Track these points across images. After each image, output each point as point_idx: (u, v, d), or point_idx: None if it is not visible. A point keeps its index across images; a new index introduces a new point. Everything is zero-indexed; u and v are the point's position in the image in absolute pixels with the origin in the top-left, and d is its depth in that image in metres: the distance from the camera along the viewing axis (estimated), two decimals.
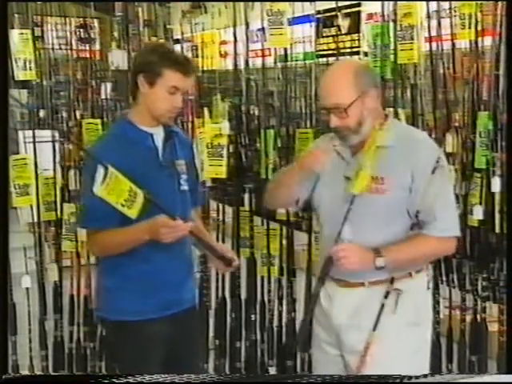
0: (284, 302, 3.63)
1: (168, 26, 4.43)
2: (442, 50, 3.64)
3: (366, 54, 4.34)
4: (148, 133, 2.51)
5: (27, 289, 3.41)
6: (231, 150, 3.65)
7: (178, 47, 4.47)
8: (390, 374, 2.16)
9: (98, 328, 3.55)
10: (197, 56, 5.83)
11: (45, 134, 3.54)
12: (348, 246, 2.30)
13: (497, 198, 3.32)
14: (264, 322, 3.66)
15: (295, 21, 3.76)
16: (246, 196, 3.74)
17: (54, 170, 3.49)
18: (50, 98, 3.96)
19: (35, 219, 3.40)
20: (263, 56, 3.79)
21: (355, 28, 7.54)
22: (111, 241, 2.45)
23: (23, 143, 3.39)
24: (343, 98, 2.32)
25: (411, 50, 3.26)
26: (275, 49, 3.65)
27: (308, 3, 4.19)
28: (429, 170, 2.32)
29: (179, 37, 5.16)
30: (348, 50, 7.37)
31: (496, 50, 3.32)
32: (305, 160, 2.43)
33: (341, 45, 6.94)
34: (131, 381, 2.06)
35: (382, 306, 2.37)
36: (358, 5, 7.38)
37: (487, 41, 3.41)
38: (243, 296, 3.67)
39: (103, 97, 3.79)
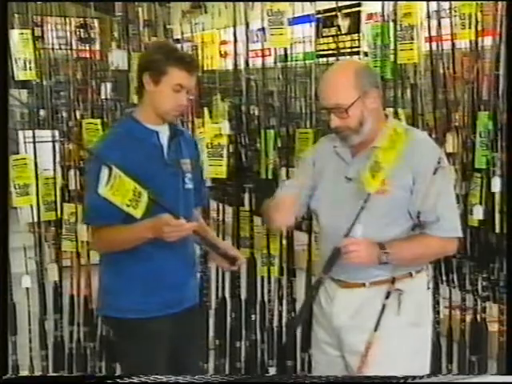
0: (284, 301, 3.63)
1: (168, 26, 4.43)
2: (442, 49, 3.63)
3: (366, 54, 4.34)
4: (153, 130, 2.52)
5: (27, 289, 3.41)
6: (231, 150, 3.64)
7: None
8: (390, 375, 2.15)
9: (98, 328, 3.56)
10: (197, 56, 5.83)
11: (45, 133, 3.54)
12: (358, 240, 2.30)
13: (497, 197, 3.32)
14: (264, 322, 3.66)
15: (295, 21, 3.75)
16: (246, 196, 3.74)
17: (54, 170, 3.49)
18: (50, 98, 3.96)
19: (35, 219, 3.40)
20: (263, 56, 3.79)
21: (355, 28, 7.54)
22: (115, 238, 2.47)
23: (23, 143, 3.39)
24: (344, 99, 2.32)
25: (411, 49, 3.26)
26: (275, 49, 3.65)
27: (308, 3, 4.18)
28: (430, 170, 2.32)
29: (179, 37, 5.15)
30: (348, 50, 7.37)
31: (496, 50, 3.32)
32: (272, 216, 2.39)
33: (341, 45, 6.93)
34: (135, 381, 2.06)
35: (384, 306, 2.37)
36: (358, 5, 7.38)
37: (487, 41, 3.41)
38: (243, 296, 3.67)
39: (103, 97, 3.79)
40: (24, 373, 3.45)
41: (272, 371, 3.63)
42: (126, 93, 3.56)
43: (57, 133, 3.61)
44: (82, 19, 4.09)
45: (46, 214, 3.45)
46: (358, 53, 7.22)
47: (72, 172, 3.65)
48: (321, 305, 2.51)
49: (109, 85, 3.79)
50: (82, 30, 4.17)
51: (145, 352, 2.51)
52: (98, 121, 3.53)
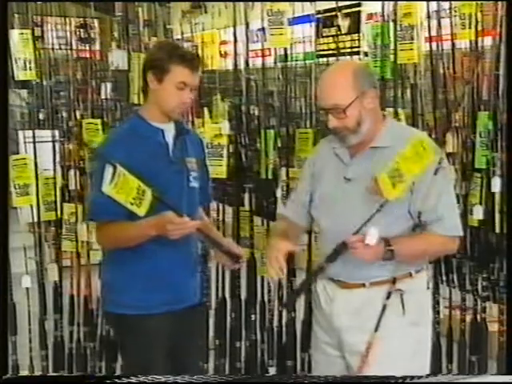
0: (284, 302, 3.63)
1: (168, 26, 4.42)
2: (442, 49, 3.63)
3: (366, 54, 4.33)
4: (159, 128, 2.53)
5: (27, 289, 3.41)
6: (231, 150, 3.64)
7: None
8: (390, 375, 2.16)
9: (98, 328, 3.56)
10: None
11: (45, 133, 3.55)
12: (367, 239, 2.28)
13: (497, 197, 3.32)
14: (264, 322, 3.66)
15: (295, 21, 3.75)
16: (246, 196, 3.74)
17: (54, 170, 3.49)
18: (50, 98, 3.97)
19: (35, 219, 3.41)
20: (263, 56, 3.79)
21: (355, 28, 7.53)
22: (118, 235, 2.48)
23: (23, 143, 3.39)
24: (342, 99, 2.32)
25: (411, 49, 3.26)
26: (275, 49, 3.65)
27: (308, 3, 4.18)
28: (431, 171, 2.32)
29: (179, 37, 5.17)
30: (348, 50, 7.35)
31: (496, 50, 3.32)
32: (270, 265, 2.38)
33: (341, 45, 6.92)
34: (134, 381, 2.07)
35: (384, 306, 2.37)
36: (358, 5, 7.37)
37: (487, 41, 3.41)
38: (243, 296, 3.67)
39: (103, 97, 3.79)
40: (24, 373, 3.45)
41: (272, 371, 3.63)
42: (126, 93, 3.56)
43: (57, 133, 3.62)
44: (81, 19, 4.10)
45: (46, 214, 3.45)
46: (358, 53, 7.21)
47: (72, 172, 3.66)
48: (321, 305, 2.51)
49: (109, 85, 3.79)
50: (81, 29, 4.17)
51: (143, 349, 2.52)
52: (98, 121, 3.53)
